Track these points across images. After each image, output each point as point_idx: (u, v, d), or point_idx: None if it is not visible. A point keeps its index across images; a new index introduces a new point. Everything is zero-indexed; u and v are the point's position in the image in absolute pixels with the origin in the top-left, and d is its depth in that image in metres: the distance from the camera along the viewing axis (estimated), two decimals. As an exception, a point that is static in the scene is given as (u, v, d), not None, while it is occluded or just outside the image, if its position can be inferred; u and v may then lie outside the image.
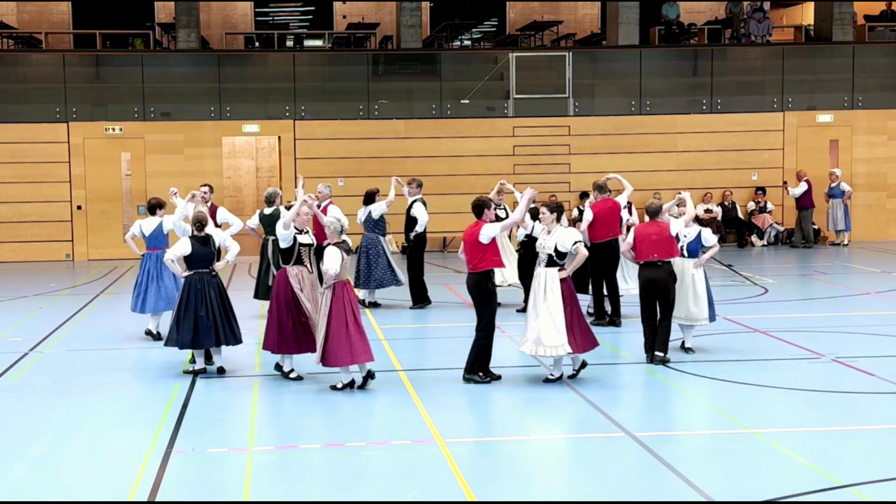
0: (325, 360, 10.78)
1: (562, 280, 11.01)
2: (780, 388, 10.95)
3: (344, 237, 11.03)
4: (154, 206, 13.85)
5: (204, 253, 11.62)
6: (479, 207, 11.18)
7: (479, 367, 11.24)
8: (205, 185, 15.60)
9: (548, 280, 11.02)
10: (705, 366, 11.96)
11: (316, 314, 11.18)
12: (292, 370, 11.54)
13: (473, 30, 29.87)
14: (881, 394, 10.70)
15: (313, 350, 11.10)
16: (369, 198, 16.08)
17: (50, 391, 11.32)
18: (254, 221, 15.20)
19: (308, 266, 11.52)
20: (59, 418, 10.23)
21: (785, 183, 24.99)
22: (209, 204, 15.08)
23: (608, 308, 14.52)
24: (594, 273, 14.45)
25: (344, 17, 28.80)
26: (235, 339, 11.76)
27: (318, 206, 14.01)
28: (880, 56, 26.32)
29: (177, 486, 8.11)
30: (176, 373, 11.98)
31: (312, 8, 29.78)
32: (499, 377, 11.30)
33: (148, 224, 13.85)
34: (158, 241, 13.81)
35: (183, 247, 11.56)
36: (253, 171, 28.15)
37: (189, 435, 9.49)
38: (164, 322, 13.25)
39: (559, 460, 8.77)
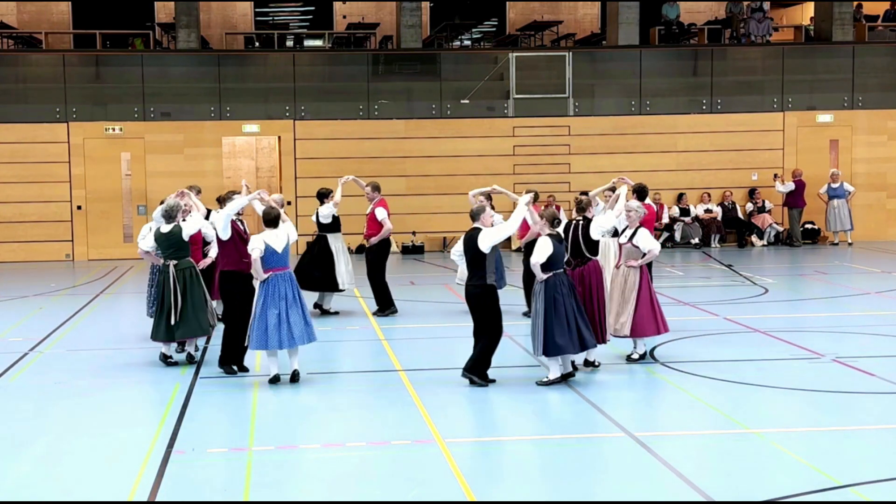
0: (633, 332, 11.90)
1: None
2: (780, 388, 10.95)
3: None
4: (276, 219, 11.20)
5: (561, 252, 11.10)
6: (644, 191, 13.32)
7: None
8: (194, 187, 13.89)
9: None
10: (705, 366, 11.96)
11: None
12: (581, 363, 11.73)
13: (473, 30, 29.88)
14: (881, 394, 10.70)
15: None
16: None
17: (50, 391, 11.32)
18: (148, 243, 12.45)
19: None
20: (59, 418, 10.23)
21: (776, 175, 24.96)
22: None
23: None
24: (378, 267, 15.60)
25: (344, 17, 28.81)
26: (602, 339, 11.65)
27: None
28: (880, 56, 26.32)
29: (177, 486, 8.11)
30: (176, 373, 11.98)
31: (312, 8, 29.78)
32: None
33: (276, 238, 11.13)
34: (286, 258, 11.29)
35: (546, 247, 10.87)
36: (253, 172, 28.10)
37: (189, 435, 9.49)
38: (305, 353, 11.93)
39: (559, 460, 8.76)
